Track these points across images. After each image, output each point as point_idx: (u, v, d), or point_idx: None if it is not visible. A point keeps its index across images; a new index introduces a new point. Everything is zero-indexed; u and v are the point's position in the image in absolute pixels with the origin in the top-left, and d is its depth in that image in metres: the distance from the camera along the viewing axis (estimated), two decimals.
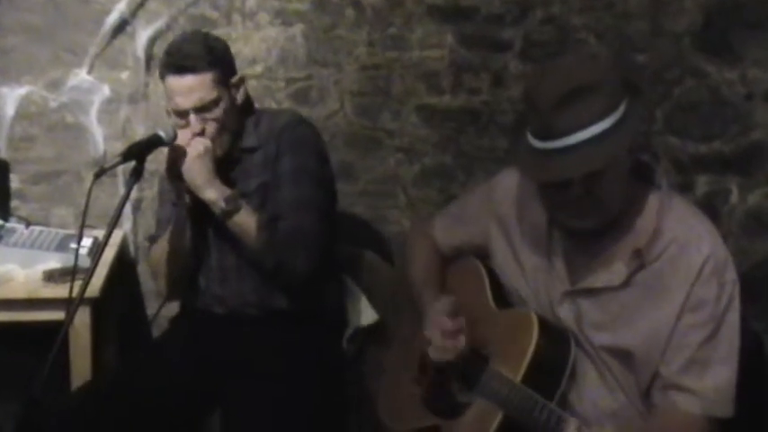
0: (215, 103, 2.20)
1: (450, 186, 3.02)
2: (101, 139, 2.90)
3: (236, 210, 2.19)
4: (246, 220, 2.20)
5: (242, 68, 2.50)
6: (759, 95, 2.93)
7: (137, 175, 2.11)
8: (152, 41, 2.83)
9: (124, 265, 2.90)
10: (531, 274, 1.93)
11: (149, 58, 2.83)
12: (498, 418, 1.83)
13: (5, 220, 2.80)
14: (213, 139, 2.21)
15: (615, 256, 1.79)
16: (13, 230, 2.70)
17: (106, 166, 2.09)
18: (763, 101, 2.93)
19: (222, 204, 2.18)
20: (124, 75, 2.88)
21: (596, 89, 1.68)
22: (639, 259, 1.76)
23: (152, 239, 2.47)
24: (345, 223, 2.68)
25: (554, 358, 1.82)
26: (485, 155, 2.99)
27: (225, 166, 2.27)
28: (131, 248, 2.97)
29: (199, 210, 2.27)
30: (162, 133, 2.17)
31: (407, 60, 2.93)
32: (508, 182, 2.02)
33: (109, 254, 2.64)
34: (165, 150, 2.23)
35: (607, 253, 1.80)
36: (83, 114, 2.89)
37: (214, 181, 2.19)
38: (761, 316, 2.95)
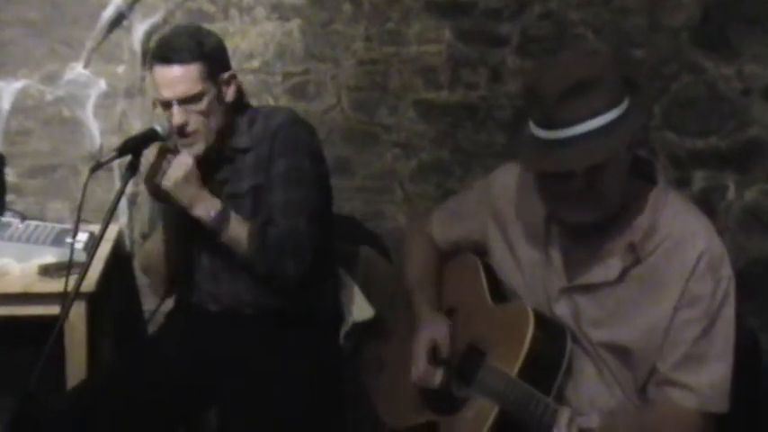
0: (199, 96, 2.16)
1: (448, 182, 3.01)
2: (97, 133, 2.90)
3: (225, 222, 2.16)
4: (236, 231, 2.17)
5: (239, 63, 2.50)
6: (756, 91, 2.93)
7: (133, 169, 2.12)
8: (148, 36, 2.83)
9: (120, 260, 2.90)
10: (529, 270, 1.94)
11: (146, 52, 2.82)
12: (495, 412, 1.83)
13: (1, 213, 2.80)
14: (196, 132, 2.17)
15: (611, 252, 1.79)
16: (8, 224, 2.69)
17: (102, 160, 2.11)
18: (761, 97, 2.93)
19: (209, 220, 2.16)
20: (120, 69, 2.88)
21: (600, 83, 1.69)
22: (634, 254, 1.76)
23: (145, 237, 2.47)
24: (342, 219, 2.69)
25: (550, 352, 1.82)
26: (482, 150, 2.99)
27: (215, 165, 2.25)
28: (127, 243, 2.97)
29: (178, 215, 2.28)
30: (158, 128, 2.17)
31: (405, 55, 2.93)
32: (506, 178, 2.02)
33: (104, 248, 2.64)
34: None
35: (604, 249, 1.80)
36: (79, 108, 2.89)
37: (200, 197, 2.16)
38: (757, 312, 2.95)
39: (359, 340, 2.46)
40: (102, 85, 2.88)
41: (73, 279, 1.99)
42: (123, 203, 2.90)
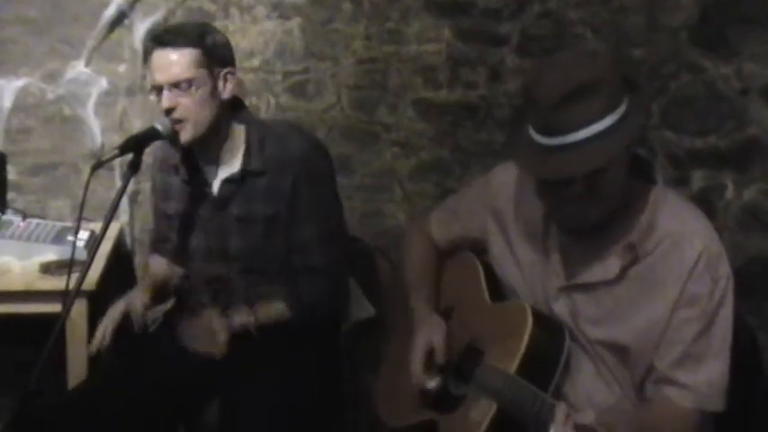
0: (189, 82, 2.14)
1: (447, 180, 3.02)
2: (98, 132, 2.91)
3: (252, 324, 2.17)
4: (267, 318, 2.20)
5: (239, 62, 2.48)
6: (755, 91, 2.93)
7: (134, 167, 2.12)
8: (149, 33, 2.83)
9: (121, 258, 2.91)
10: (527, 268, 1.94)
11: (146, 50, 2.82)
12: (493, 410, 1.84)
13: (2, 212, 2.80)
14: (184, 120, 2.15)
15: (610, 251, 1.79)
16: (9, 222, 2.70)
17: (103, 158, 2.11)
18: (759, 96, 2.93)
19: (252, 329, 2.18)
20: (121, 67, 2.89)
21: (599, 87, 1.68)
22: (632, 253, 1.76)
23: (152, 247, 2.50)
24: None
25: (548, 350, 1.83)
26: (481, 149, 3.00)
27: (225, 184, 2.26)
28: (128, 241, 2.98)
29: (185, 219, 2.30)
30: (159, 126, 2.16)
31: (404, 54, 2.94)
32: (505, 176, 2.02)
33: (105, 246, 2.64)
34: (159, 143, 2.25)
35: (602, 248, 1.80)
36: (80, 106, 2.90)
37: (222, 331, 2.15)
38: (755, 311, 2.96)
39: (359, 339, 2.46)
40: (103, 83, 2.89)
41: (74, 277, 1.99)
42: (124, 202, 2.91)
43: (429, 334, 2.01)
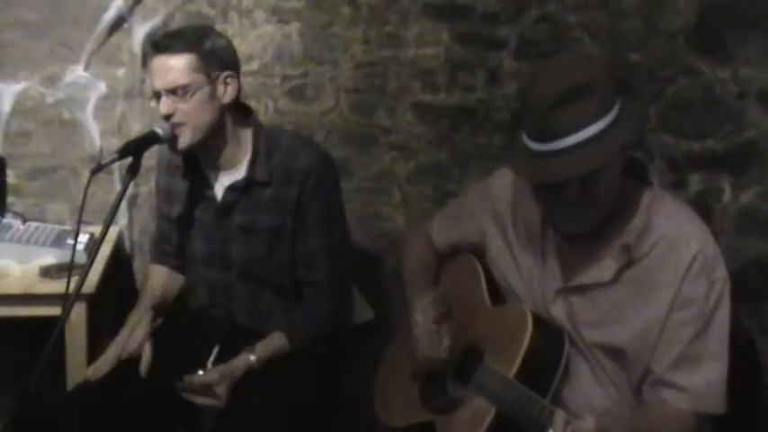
0: (186, 88, 2.14)
1: (445, 184, 3.03)
2: (97, 136, 2.91)
3: (254, 365, 2.17)
4: (268, 355, 2.19)
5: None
6: (752, 94, 2.94)
7: (133, 171, 2.13)
8: (149, 38, 2.83)
9: (120, 261, 2.91)
10: (526, 271, 1.95)
11: (146, 54, 2.83)
12: (492, 413, 1.84)
13: (2, 215, 2.80)
14: (182, 124, 2.16)
15: (606, 253, 1.80)
16: (9, 226, 2.70)
17: (103, 162, 2.11)
18: (756, 100, 2.94)
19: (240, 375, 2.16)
20: (120, 71, 2.89)
21: (591, 90, 1.68)
22: (628, 255, 1.77)
23: (153, 254, 2.51)
24: None
25: (547, 354, 1.83)
26: (480, 152, 3.00)
27: (229, 191, 2.26)
28: (127, 244, 2.98)
29: (188, 222, 2.30)
30: (159, 130, 2.17)
31: (403, 58, 2.94)
32: (504, 180, 2.03)
33: (105, 250, 2.65)
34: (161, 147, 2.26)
35: (598, 250, 1.81)
36: (79, 110, 2.90)
37: (222, 385, 2.13)
38: (753, 314, 2.97)
39: (358, 341, 2.47)
40: (102, 87, 2.89)
41: (74, 280, 2.00)
42: (123, 205, 2.90)
43: (424, 307, 2.05)
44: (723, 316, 1.75)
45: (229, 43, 2.27)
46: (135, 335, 2.25)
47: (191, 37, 2.18)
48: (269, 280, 2.29)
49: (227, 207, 2.27)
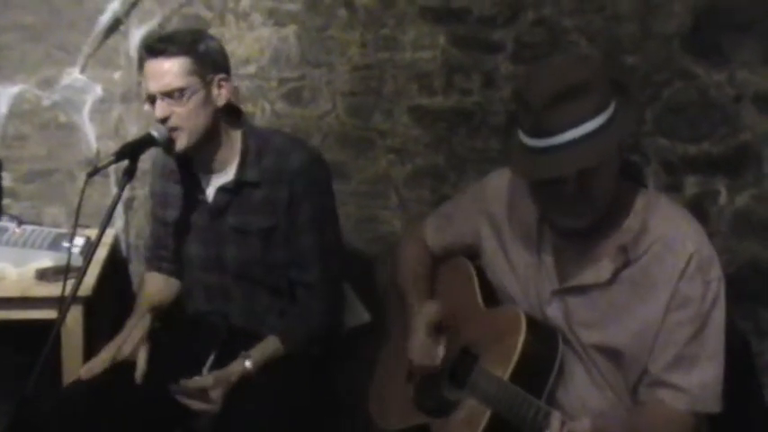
0: (181, 91, 2.14)
1: (442, 187, 3.03)
2: (93, 138, 2.91)
3: (250, 371, 2.16)
4: (264, 359, 2.19)
5: (235, 69, 2.50)
6: (747, 97, 2.95)
7: (129, 174, 2.13)
8: (145, 41, 2.83)
9: (116, 264, 2.91)
10: (522, 272, 1.95)
11: (141, 57, 2.83)
12: (487, 416, 1.85)
13: None
14: (178, 128, 2.16)
15: (602, 254, 1.81)
16: (5, 229, 2.70)
17: (99, 165, 2.11)
18: (752, 103, 2.95)
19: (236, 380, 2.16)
20: (117, 74, 2.89)
21: (587, 88, 1.70)
22: (624, 256, 1.78)
23: (148, 260, 2.51)
24: None
25: (542, 356, 1.84)
26: (476, 155, 3.01)
27: (220, 193, 2.26)
28: (123, 247, 2.98)
29: (182, 226, 2.30)
30: (155, 133, 2.17)
31: (399, 61, 2.94)
32: (499, 181, 2.04)
33: (101, 253, 2.65)
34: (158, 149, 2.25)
35: (595, 251, 1.82)
36: (75, 113, 2.90)
37: (231, 376, 2.14)
38: (748, 316, 2.98)
39: (354, 344, 2.47)
40: (99, 90, 2.89)
41: (70, 283, 2.00)
42: (119, 208, 2.91)
43: (425, 312, 2.04)
44: (719, 316, 1.76)
45: (221, 46, 2.28)
46: (131, 338, 2.25)
47: (185, 40, 2.18)
48: (264, 281, 2.29)
49: (219, 209, 2.27)
